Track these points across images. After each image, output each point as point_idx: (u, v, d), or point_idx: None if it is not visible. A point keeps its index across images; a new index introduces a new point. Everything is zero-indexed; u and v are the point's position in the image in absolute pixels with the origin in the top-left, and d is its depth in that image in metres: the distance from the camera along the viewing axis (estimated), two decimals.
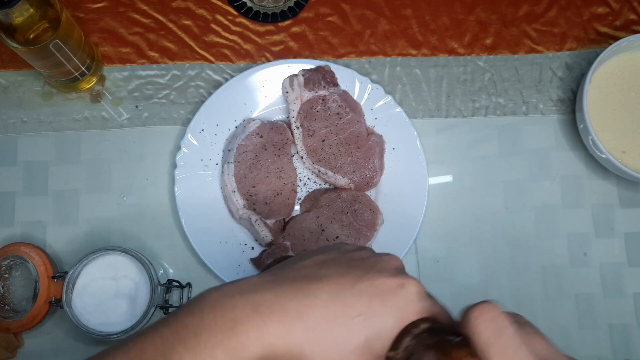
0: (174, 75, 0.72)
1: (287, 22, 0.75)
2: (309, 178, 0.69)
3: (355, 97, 0.69)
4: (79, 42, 0.65)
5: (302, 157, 0.67)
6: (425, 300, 0.39)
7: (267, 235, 0.65)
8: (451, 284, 0.68)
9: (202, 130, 0.68)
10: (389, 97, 0.69)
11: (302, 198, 0.68)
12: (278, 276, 0.39)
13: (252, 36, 0.74)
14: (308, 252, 0.42)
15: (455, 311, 0.68)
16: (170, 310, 0.63)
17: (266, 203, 0.65)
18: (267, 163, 0.66)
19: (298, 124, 0.67)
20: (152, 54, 0.73)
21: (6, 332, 0.63)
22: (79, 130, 0.70)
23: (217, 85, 0.71)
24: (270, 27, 0.74)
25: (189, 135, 0.67)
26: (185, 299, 0.65)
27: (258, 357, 0.36)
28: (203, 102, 0.68)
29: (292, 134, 0.68)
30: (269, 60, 0.73)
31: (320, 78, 0.68)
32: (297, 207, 0.68)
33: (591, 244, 0.70)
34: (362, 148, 0.67)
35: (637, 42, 0.69)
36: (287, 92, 0.68)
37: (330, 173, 0.66)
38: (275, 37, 0.74)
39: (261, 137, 0.67)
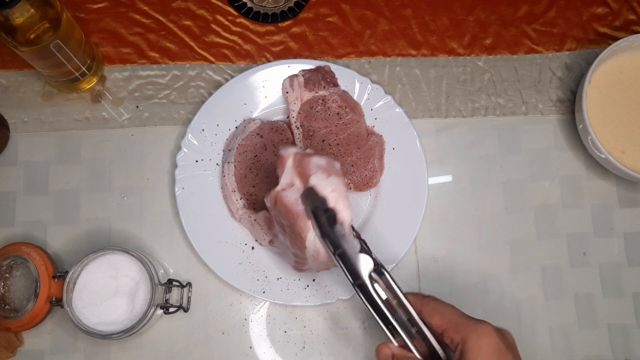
0: (175, 75, 0.72)
1: (287, 23, 0.75)
2: None
3: (355, 97, 0.70)
4: (80, 43, 0.65)
5: None
6: None
7: (267, 235, 0.65)
8: (451, 283, 0.68)
9: (203, 130, 0.68)
10: (389, 97, 0.70)
11: None
12: None
13: (252, 36, 0.74)
14: None
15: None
16: (171, 309, 0.63)
17: None
18: (267, 163, 0.66)
19: (298, 124, 0.67)
20: (153, 54, 0.73)
21: (7, 332, 0.63)
22: (79, 130, 0.70)
23: (218, 85, 0.71)
24: (271, 28, 0.75)
25: (190, 135, 0.67)
26: (185, 299, 0.65)
27: None
28: (203, 102, 0.69)
29: (292, 134, 0.68)
30: (269, 61, 0.73)
31: (320, 78, 0.68)
32: None
33: (590, 244, 0.70)
34: (362, 148, 0.67)
35: (637, 42, 0.69)
36: (287, 92, 0.68)
37: None
38: (276, 38, 0.74)
39: (261, 137, 0.67)
